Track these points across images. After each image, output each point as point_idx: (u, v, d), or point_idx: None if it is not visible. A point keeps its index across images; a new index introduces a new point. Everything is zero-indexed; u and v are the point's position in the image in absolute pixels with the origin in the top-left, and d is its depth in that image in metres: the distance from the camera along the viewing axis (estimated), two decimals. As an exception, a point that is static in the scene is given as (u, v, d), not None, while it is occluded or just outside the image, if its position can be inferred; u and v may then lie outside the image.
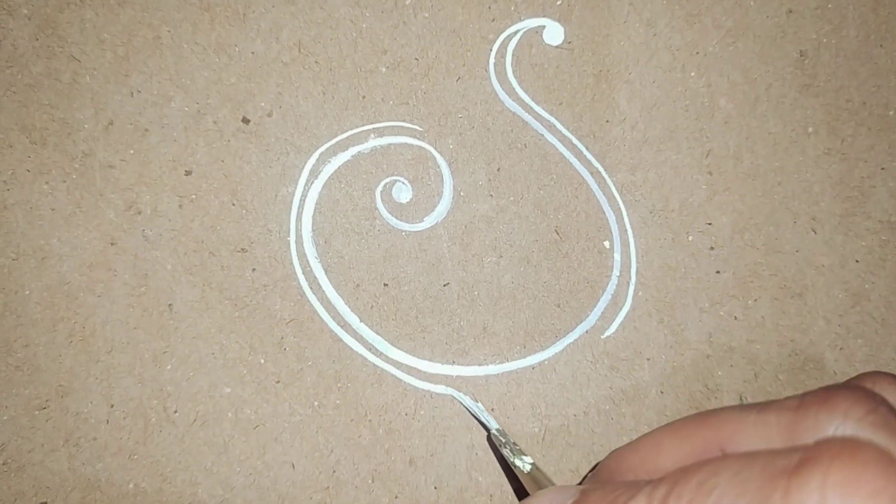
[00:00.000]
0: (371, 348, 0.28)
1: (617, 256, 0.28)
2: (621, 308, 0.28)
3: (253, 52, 0.27)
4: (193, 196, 0.27)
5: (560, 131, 0.28)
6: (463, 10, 0.28)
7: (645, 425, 0.28)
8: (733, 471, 0.16)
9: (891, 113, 0.29)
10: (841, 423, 0.16)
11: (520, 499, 0.27)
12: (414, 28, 0.28)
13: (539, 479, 0.23)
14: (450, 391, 0.28)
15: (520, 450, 0.25)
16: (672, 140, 0.28)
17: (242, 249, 0.27)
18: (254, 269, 0.28)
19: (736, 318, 0.28)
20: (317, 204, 0.28)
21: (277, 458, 0.28)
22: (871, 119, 0.29)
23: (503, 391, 0.28)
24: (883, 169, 0.29)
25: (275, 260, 0.28)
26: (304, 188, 0.28)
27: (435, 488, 0.28)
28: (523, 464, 0.24)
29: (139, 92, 0.27)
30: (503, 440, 0.26)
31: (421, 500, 0.27)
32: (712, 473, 0.16)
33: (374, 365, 0.28)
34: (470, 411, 0.28)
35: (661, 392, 0.28)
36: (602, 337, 0.28)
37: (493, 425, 0.27)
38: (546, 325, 0.28)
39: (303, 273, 0.28)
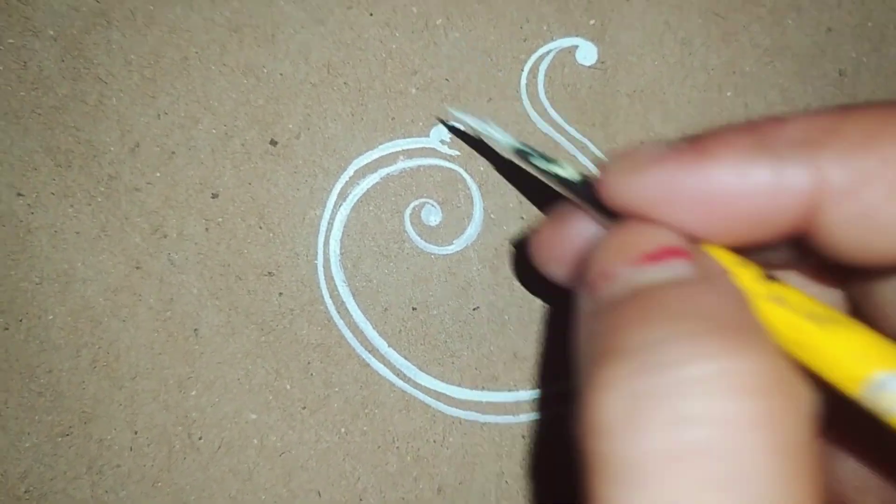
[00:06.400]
0: (399, 373, 0.27)
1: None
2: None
3: (281, 74, 0.27)
4: (220, 219, 0.27)
5: (593, 153, 0.28)
6: (494, 29, 0.27)
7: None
8: None
9: (933, 133, 0.28)
10: None
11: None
12: (444, 48, 0.27)
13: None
14: (458, 114, 0.23)
15: (542, 155, 0.21)
16: (708, 162, 0.28)
17: (269, 273, 0.27)
18: (280, 294, 0.27)
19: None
20: (345, 227, 0.27)
21: (303, 485, 0.27)
22: (912, 140, 0.28)
23: (534, 417, 0.27)
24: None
25: (302, 284, 0.27)
26: (332, 211, 0.27)
27: (465, 519, 0.27)
28: (563, 169, 0.19)
29: (166, 114, 0.27)
30: (533, 154, 0.21)
31: (450, 531, 0.27)
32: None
33: (402, 391, 0.27)
34: (483, 133, 0.22)
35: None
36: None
37: (515, 144, 0.21)
38: (579, 352, 0.27)
39: (330, 297, 0.27)
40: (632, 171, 0.16)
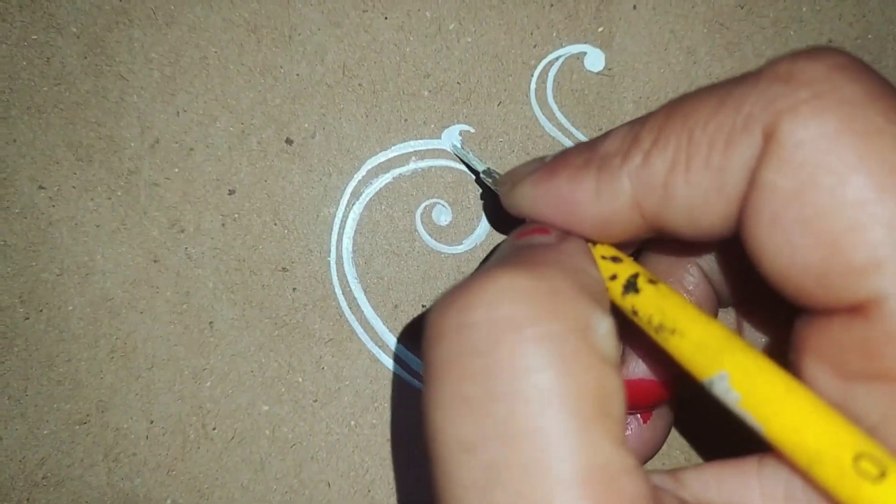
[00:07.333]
0: (408, 369, 0.28)
1: (654, 282, 0.28)
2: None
3: (298, 74, 0.28)
4: (236, 215, 0.28)
5: (599, 157, 0.28)
6: (505, 35, 0.28)
7: None
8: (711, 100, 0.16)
9: (927, 143, 0.29)
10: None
11: None
12: (456, 53, 0.28)
13: None
14: (448, 142, 0.28)
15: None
16: (710, 167, 0.29)
17: (283, 269, 0.28)
18: (294, 289, 0.28)
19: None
20: (357, 225, 0.28)
21: (313, 476, 0.28)
22: (908, 149, 0.29)
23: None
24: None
25: (315, 280, 0.28)
26: (346, 209, 0.28)
27: (470, 510, 0.28)
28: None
29: (185, 111, 0.27)
30: (489, 180, 0.26)
31: (456, 521, 0.28)
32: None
33: (411, 385, 0.28)
34: (460, 157, 0.28)
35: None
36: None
37: (481, 167, 0.27)
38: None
39: (342, 293, 0.28)
40: (511, 186, 0.19)
